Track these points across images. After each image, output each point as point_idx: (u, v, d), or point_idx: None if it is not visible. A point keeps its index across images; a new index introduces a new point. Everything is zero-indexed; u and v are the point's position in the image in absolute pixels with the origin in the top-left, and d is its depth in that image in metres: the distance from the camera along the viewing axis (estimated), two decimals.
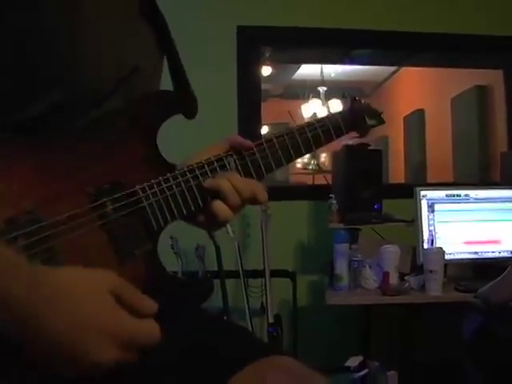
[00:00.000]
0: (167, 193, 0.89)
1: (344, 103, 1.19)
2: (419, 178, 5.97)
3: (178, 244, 2.93)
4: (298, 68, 6.25)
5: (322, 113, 6.57)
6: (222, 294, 2.89)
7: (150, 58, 1.01)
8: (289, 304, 3.15)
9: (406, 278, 2.79)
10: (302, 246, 3.40)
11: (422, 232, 2.87)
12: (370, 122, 1.18)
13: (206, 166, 0.94)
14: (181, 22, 3.19)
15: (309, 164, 6.13)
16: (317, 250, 3.32)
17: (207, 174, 0.94)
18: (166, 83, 1.02)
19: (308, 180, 5.93)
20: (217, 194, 0.93)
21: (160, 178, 0.89)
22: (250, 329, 2.86)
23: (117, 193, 0.84)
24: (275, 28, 3.41)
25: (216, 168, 0.95)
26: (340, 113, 1.12)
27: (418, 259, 2.83)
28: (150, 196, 0.87)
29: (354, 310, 3.06)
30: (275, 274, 2.97)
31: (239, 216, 3.23)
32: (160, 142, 0.93)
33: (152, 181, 0.88)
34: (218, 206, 0.93)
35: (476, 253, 2.90)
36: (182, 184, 0.91)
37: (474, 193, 2.95)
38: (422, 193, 2.91)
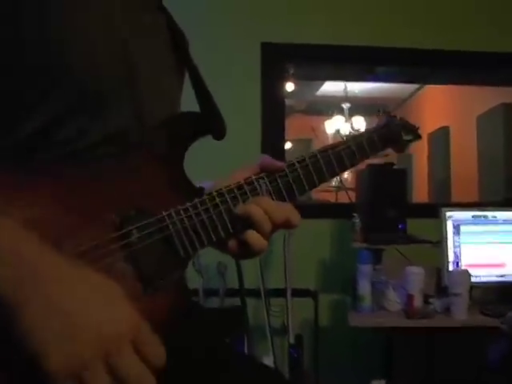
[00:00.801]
0: (195, 219, 0.85)
1: (379, 119, 1.16)
2: (443, 197, 5.92)
3: (199, 261, 2.92)
4: (322, 84, 6.25)
5: (345, 129, 6.56)
6: (242, 312, 2.86)
7: (169, 76, 0.99)
8: (310, 323, 3.12)
9: (430, 300, 2.74)
10: (324, 265, 3.36)
11: (448, 253, 2.83)
12: (406, 137, 1.15)
13: (235, 190, 0.90)
14: (206, 39, 3.23)
15: (332, 181, 6.09)
16: (339, 269, 3.28)
17: (237, 198, 0.89)
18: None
19: (330, 197, 5.90)
20: (248, 222, 0.88)
21: (187, 203, 0.85)
22: (271, 348, 2.84)
23: (142, 220, 0.80)
24: (299, 45, 3.40)
25: (246, 192, 0.90)
26: (375, 129, 1.09)
27: (443, 281, 2.79)
28: (177, 223, 0.83)
29: (377, 331, 3.01)
30: (297, 293, 2.94)
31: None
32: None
33: (179, 207, 0.84)
34: (252, 237, 0.87)
35: (502, 276, 2.85)
36: (211, 210, 0.87)
37: (501, 214, 2.90)
38: (448, 213, 2.87)
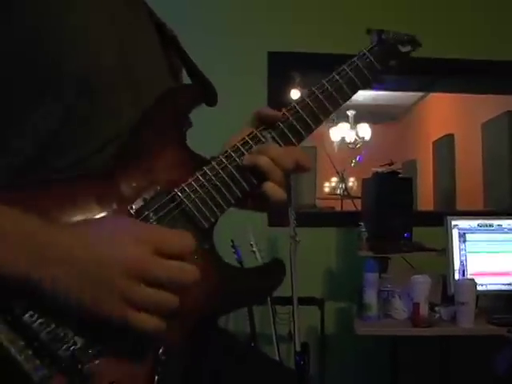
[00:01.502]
0: (208, 186, 0.85)
1: (371, 38, 1.08)
2: (448, 204, 5.91)
3: None
4: None
5: (350, 136, 6.57)
6: (249, 320, 2.87)
7: (163, 71, 1.02)
8: (316, 331, 3.12)
9: (436, 308, 2.74)
10: (331, 273, 3.37)
11: (453, 262, 2.83)
12: (404, 49, 1.08)
13: (241, 147, 0.89)
14: (213, 48, 3.26)
15: (336, 188, 6.11)
16: (345, 277, 3.30)
17: (244, 154, 0.88)
18: None
19: (335, 204, 5.91)
20: (257, 173, 0.87)
21: (197, 173, 0.85)
22: (277, 356, 2.84)
23: (158, 202, 0.82)
24: (305, 54, 3.43)
25: (252, 146, 0.89)
26: (368, 49, 1.02)
27: (449, 290, 2.79)
28: (191, 194, 0.84)
29: (383, 339, 3.01)
30: (303, 301, 2.92)
31: (267, 242, 3.23)
32: None
33: (189, 179, 0.84)
34: (267, 187, 0.87)
35: (509, 284, 2.85)
36: (221, 172, 0.86)
37: (507, 223, 2.90)
38: (454, 222, 2.87)
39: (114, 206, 0.79)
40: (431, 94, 6.28)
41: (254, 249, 2.93)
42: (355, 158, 6.58)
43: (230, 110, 3.14)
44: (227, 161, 0.87)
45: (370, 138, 6.62)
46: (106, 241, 0.73)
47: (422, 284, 2.67)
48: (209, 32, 3.29)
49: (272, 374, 1.04)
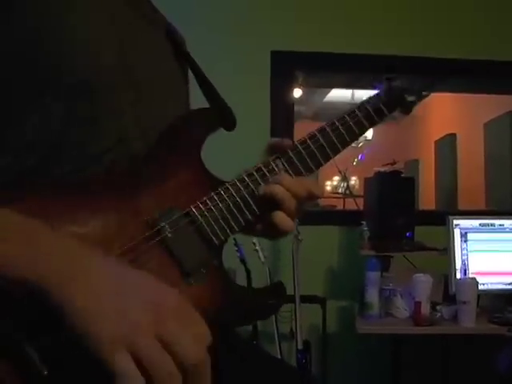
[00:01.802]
0: (221, 206, 0.89)
1: (381, 85, 1.15)
2: (450, 204, 5.92)
3: None
4: (330, 91, 6.27)
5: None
6: None
7: (171, 77, 1.03)
8: (318, 330, 3.13)
9: (437, 307, 2.75)
10: (332, 272, 3.38)
11: (455, 261, 2.84)
12: (410, 98, 1.14)
13: (255, 173, 0.93)
14: (216, 47, 3.27)
15: (338, 187, 6.11)
16: (347, 276, 3.31)
17: (257, 180, 0.93)
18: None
19: (337, 203, 5.92)
20: (272, 202, 0.91)
21: (212, 193, 0.89)
22: (279, 353, 2.85)
23: (173, 216, 0.84)
24: (308, 53, 3.44)
25: (265, 173, 0.94)
26: (378, 95, 1.08)
27: (451, 289, 2.80)
28: (206, 212, 0.87)
29: (385, 338, 3.02)
30: (305, 299, 2.95)
31: (270, 240, 3.24)
32: None
33: (204, 198, 0.88)
34: (278, 217, 0.91)
35: (510, 284, 2.86)
36: (235, 195, 0.90)
37: (508, 222, 2.91)
38: (455, 221, 2.88)
39: (127, 213, 0.81)
40: (433, 94, 6.27)
41: (257, 247, 2.94)
42: (357, 157, 6.59)
43: (234, 108, 3.16)
44: (241, 184, 0.91)
45: (372, 137, 6.63)
46: (141, 280, 0.71)
47: (423, 283, 2.68)
48: (212, 31, 3.30)
49: (274, 372, 1.05)
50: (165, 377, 0.65)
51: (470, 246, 2.87)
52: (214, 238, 0.87)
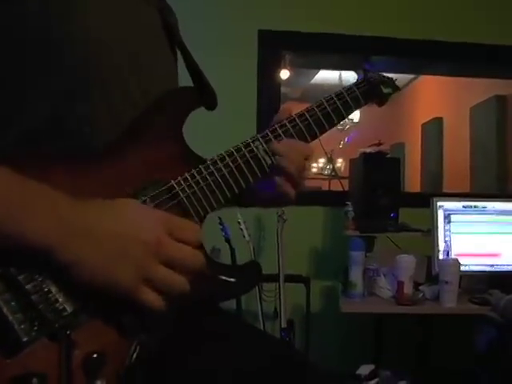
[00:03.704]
0: (202, 183, 0.91)
1: (358, 75, 1.23)
2: (435, 187, 5.94)
3: None
4: (317, 72, 6.25)
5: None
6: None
7: (165, 57, 1.05)
8: (302, 309, 3.15)
9: (420, 287, 2.78)
10: (317, 252, 3.40)
11: (438, 242, 2.86)
12: (385, 90, 1.19)
13: (234, 152, 0.96)
14: (202, 25, 3.24)
15: (324, 169, 6.11)
16: (331, 256, 3.32)
17: (237, 160, 0.96)
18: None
19: (324, 185, 5.92)
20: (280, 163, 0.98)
21: (193, 170, 0.91)
22: None
23: (154, 190, 0.86)
24: (296, 33, 3.42)
25: (245, 154, 0.97)
26: (356, 84, 1.13)
27: (434, 269, 2.82)
28: (186, 188, 0.89)
29: (368, 317, 3.05)
30: (289, 278, 2.96)
31: (255, 220, 3.25)
32: None
33: (186, 174, 0.90)
34: (281, 182, 1.01)
35: (492, 265, 2.89)
36: (215, 173, 0.93)
37: (491, 205, 2.93)
38: (439, 203, 2.90)
39: (110, 186, 0.83)
40: (420, 77, 6.28)
41: (242, 226, 2.94)
42: (344, 139, 6.58)
43: (220, 88, 3.14)
44: (221, 163, 0.94)
45: (359, 120, 6.63)
46: (131, 221, 0.78)
47: (406, 263, 2.69)
48: (199, 8, 3.27)
49: (260, 345, 1.06)
50: (177, 289, 0.79)
51: (454, 227, 2.89)
52: (194, 215, 0.90)
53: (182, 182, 0.89)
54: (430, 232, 2.90)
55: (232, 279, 0.95)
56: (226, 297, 1.02)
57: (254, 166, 0.98)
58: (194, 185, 0.90)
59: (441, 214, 2.89)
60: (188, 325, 0.96)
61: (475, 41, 3.48)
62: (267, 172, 0.99)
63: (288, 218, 2.94)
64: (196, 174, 0.91)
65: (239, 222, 2.92)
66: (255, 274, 1.01)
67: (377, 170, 2.94)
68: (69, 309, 0.74)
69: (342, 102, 1.08)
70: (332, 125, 1.08)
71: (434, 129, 6.27)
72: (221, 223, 2.95)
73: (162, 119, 0.91)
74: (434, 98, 6.42)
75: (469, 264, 2.84)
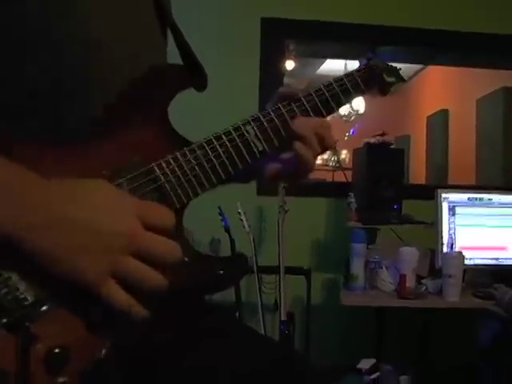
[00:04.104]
0: (185, 167, 0.85)
1: (360, 61, 1.15)
2: (440, 180, 5.90)
3: (193, 236, 2.90)
4: (323, 63, 6.19)
5: (343, 108, 6.52)
6: (234, 288, 2.85)
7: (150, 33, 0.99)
8: (302, 301, 3.12)
9: (423, 281, 2.73)
10: (318, 244, 3.36)
11: (442, 235, 2.82)
12: (388, 79, 1.13)
13: (223, 136, 0.90)
14: (204, 13, 3.19)
15: (329, 160, 6.07)
16: (333, 248, 3.28)
17: (225, 144, 0.89)
18: None
19: (328, 177, 5.87)
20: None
21: (177, 153, 0.85)
22: (262, 325, 2.83)
23: (133, 172, 0.80)
24: (300, 21, 3.36)
25: (234, 138, 0.90)
26: (357, 70, 1.07)
27: (437, 263, 2.78)
28: (168, 172, 0.83)
29: (369, 311, 3.00)
30: (290, 270, 2.92)
31: (256, 210, 3.21)
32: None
33: (168, 157, 0.84)
34: (299, 147, 0.95)
35: (497, 259, 2.84)
36: (201, 157, 0.86)
37: (497, 197, 2.88)
38: (444, 195, 2.85)
39: (87, 166, 0.78)
40: (427, 68, 6.22)
41: (242, 217, 2.90)
42: (349, 131, 6.55)
43: (222, 78, 3.09)
44: (208, 146, 0.87)
45: (364, 112, 6.58)
46: (101, 208, 0.71)
47: (409, 256, 2.66)
48: None
49: (257, 349, 1.01)
50: (151, 285, 0.72)
51: (458, 220, 2.84)
52: (175, 201, 0.83)
53: (163, 164, 0.83)
54: (434, 224, 2.85)
55: (220, 271, 0.88)
56: (212, 289, 0.96)
57: (244, 151, 0.91)
58: (176, 168, 0.84)
59: (445, 206, 2.85)
60: (184, 322, 0.91)
61: (483, 31, 3.42)
62: (257, 158, 0.93)
63: (289, 209, 2.89)
64: (180, 157, 0.84)
65: (239, 213, 2.88)
66: (241, 267, 0.94)
67: (380, 161, 2.90)
68: (30, 298, 0.69)
69: (341, 88, 1.03)
70: (330, 111, 1.02)
71: (439, 121, 6.23)
72: (220, 213, 2.91)
73: (146, 97, 0.85)
74: (441, 90, 6.38)
75: (473, 257, 2.79)
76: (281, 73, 3.45)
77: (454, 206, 2.85)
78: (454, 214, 2.84)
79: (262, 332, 2.82)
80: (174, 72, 0.90)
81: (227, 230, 2.89)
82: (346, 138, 6.42)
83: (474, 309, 2.51)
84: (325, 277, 3.30)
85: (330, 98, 1.01)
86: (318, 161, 6.23)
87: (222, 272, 0.88)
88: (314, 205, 3.31)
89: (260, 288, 2.91)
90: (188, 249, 0.84)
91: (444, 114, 6.14)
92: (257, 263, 2.89)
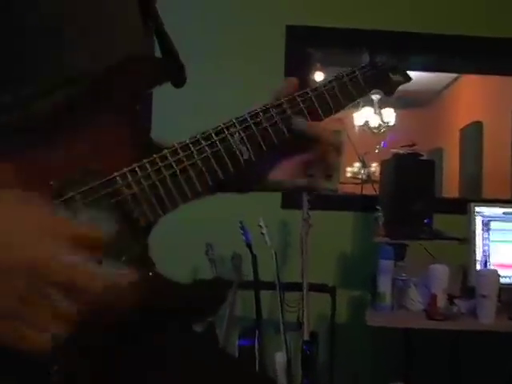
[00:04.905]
0: (154, 178, 0.72)
1: (363, 58, 1.07)
2: (474, 194, 5.74)
3: (214, 251, 2.85)
4: None
5: (374, 121, 6.43)
6: (255, 306, 2.77)
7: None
8: (327, 320, 3.02)
9: (455, 301, 2.60)
10: (344, 260, 3.25)
11: (475, 252, 2.70)
12: (394, 78, 1.04)
13: (202, 140, 0.77)
14: (228, 21, 3.11)
15: (358, 173, 5.98)
16: (359, 264, 3.17)
17: (205, 151, 0.76)
18: None
19: (357, 190, 5.77)
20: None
21: (144, 160, 0.72)
22: (284, 344, 2.74)
23: (89, 183, 0.67)
24: (326, 29, 3.29)
25: (216, 142, 0.78)
26: (360, 68, 0.98)
27: (470, 281, 2.66)
28: (133, 184, 0.70)
29: (397, 331, 2.87)
30: (314, 288, 2.82)
31: (280, 224, 3.12)
32: None
33: (135, 165, 0.71)
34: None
35: None
36: (174, 165, 0.74)
37: None
38: (477, 209, 2.74)
39: (35, 181, 0.64)
40: (460, 79, 6.09)
41: (264, 231, 2.82)
42: (380, 143, 6.45)
43: (247, 86, 3.01)
44: (183, 153, 0.75)
45: (395, 124, 6.47)
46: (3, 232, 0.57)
47: (439, 273, 2.55)
48: (223, 3, 3.14)
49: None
50: (66, 321, 0.58)
51: (493, 235, 2.73)
52: (139, 218, 0.70)
53: (128, 174, 0.70)
54: (467, 240, 2.73)
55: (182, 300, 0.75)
56: (177, 318, 0.81)
57: (227, 159, 0.78)
58: (142, 180, 0.71)
59: (479, 221, 2.73)
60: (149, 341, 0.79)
61: None
62: (243, 167, 0.80)
63: (314, 223, 2.78)
64: (148, 166, 0.72)
65: (260, 226, 2.78)
66: (217, 294, 0.80)
67: (409, 172, 2.80)
68: None
69: (340, 87, 0.93)
70: (327, 114, 0.92)
71: (473, 133, 6.09)
72: (242, 227, 2.83)
73: (112, 93, 0.73)
74: (474, 102, 6.26)
75: (509, 276, 2.67)
76: (307, 82, 3.34)
77: (488, 221, 2.73)
78: (488, 230, 2.73)
79: (284, 351, 2.73)
80: (151, 63, 0.78)
81: (248, 245, 2.81)
82: (376, 151, 6.30)
83: (510, 332, 2.37)
84: (350, 295, 3.19)
85: (329, 100, 0.92)
86: (348, 174, 6.14)
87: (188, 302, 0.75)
88: (340, 219, 3.21)
89: (282, 305, 2.84)
90: (150, 271, 0.71)
91: (478, 126, 6.00)
92: (279, 279, 2.80)
